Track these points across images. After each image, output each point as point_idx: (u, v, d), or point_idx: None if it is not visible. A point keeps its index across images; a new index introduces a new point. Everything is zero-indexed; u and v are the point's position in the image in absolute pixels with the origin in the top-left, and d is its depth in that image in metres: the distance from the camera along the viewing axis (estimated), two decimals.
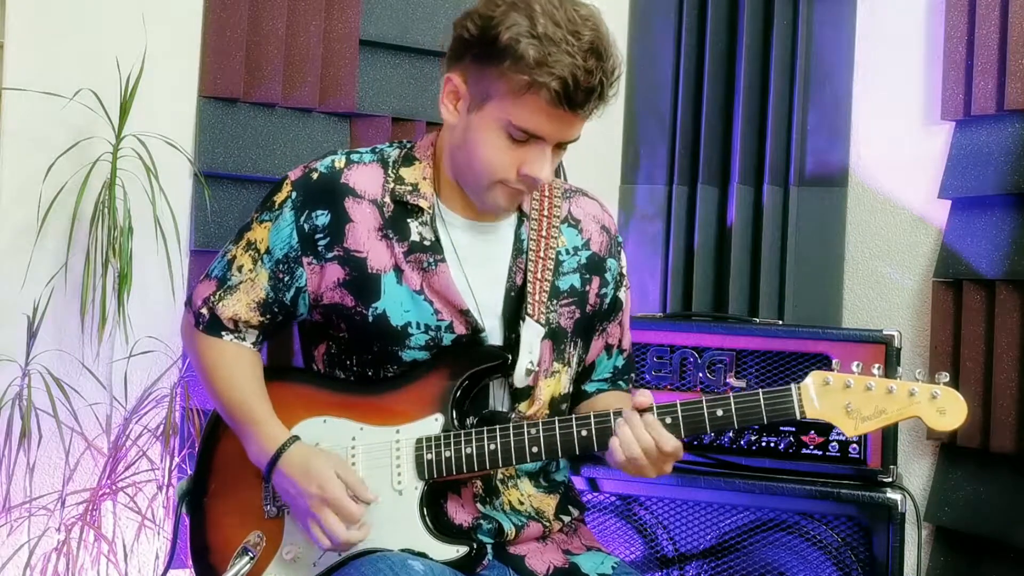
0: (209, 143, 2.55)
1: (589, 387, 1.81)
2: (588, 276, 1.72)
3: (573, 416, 1.57)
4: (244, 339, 1.68)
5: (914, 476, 2.65)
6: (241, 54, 2.55)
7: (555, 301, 1.67)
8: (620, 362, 1.83)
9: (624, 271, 1.81)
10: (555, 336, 1.67)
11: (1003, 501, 2.44)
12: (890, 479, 2.19)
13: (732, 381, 2.30)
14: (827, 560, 2.19)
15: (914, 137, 2.72)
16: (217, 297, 1.66)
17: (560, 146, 1.55)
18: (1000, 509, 2.43)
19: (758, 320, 2.62)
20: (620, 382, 1.83)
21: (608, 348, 1.81)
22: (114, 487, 2.33)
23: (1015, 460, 2.42)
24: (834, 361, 1.54)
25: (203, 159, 2.54)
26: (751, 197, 2.88)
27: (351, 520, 1.52)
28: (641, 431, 1.50)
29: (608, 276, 1.76)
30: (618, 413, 1.54)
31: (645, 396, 1.53)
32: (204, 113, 2.55)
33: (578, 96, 1.45)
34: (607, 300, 1.76)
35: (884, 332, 2.21)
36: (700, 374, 2.32)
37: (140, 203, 2.39)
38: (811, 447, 2.24)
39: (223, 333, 1.67)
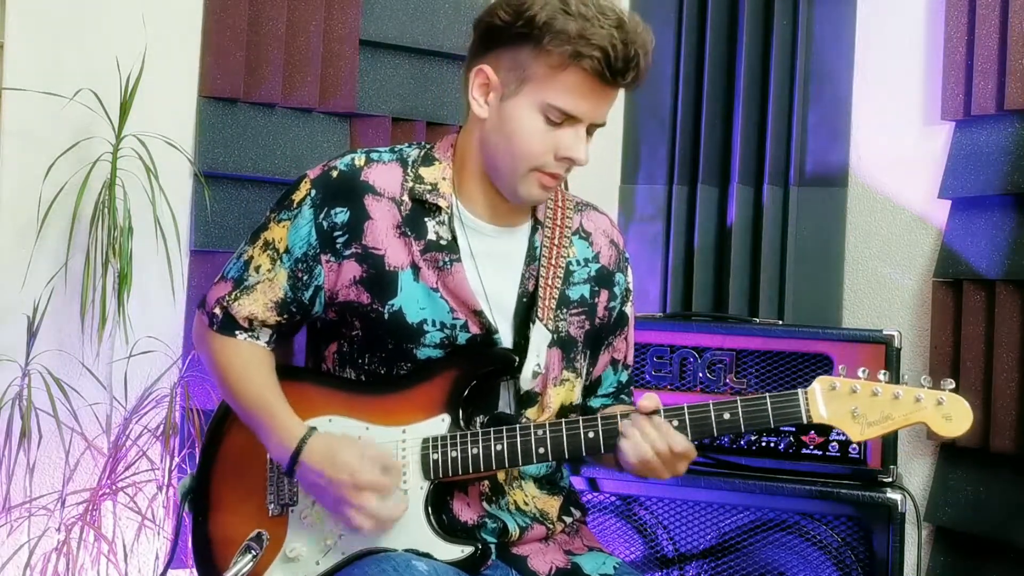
0: (209, 143, 2.55)
1: (594, 402, 1.81)
2: (597, 288, 1.73)
3: (580, 418, 1.57)
4: (258, 338, 1.67)
5: (914, 476, 2.65)
6: (241, 54, 2.55)
7: (564, 310, 1.68)
8: (624, 377, 1.84)
9: (631, 286, 1.82)
10: (564, 345, 1.67)
11: (1003, 501, 2.44)
12: (890, 479, 2.19)
13: (732, 381, 2.30)
14: (827, 560, 2.19)
15: (914, 137, 2.72)
16: (233, 297, 1.65)
17: (590, 132, 1.59)
18: (1000, 509, 2.43)
19: (758, 320, 2.62)
20: (623, 396, 1.83)
21: (614, 363, 1.81)
22: (114, 487, 2.33)
23: (1015, 460, 2.42)
24: (840, 366, 1.55)
25: (203, 159, 2.54)
26: (751, 197, 2.88)
27: (389, 493, 1.52)
28: (650, 431, 1.51)
29: (616, 290, 1.77)
30: (625, 415, 1.55)
31: (651, 400, 1.54)
32: (204, 113, 2.55)
33: (618, 64, 1.50)
34: (614, 314, 1.78)
35: (884, 332, 2.21)
36: (700, 374, 2.32)
37: (140, 203, 2.39)
38: (811, 447, 2.24)
39: (237, 332, 1.66)
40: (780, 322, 2.71)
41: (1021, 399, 2.40)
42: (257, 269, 1.64)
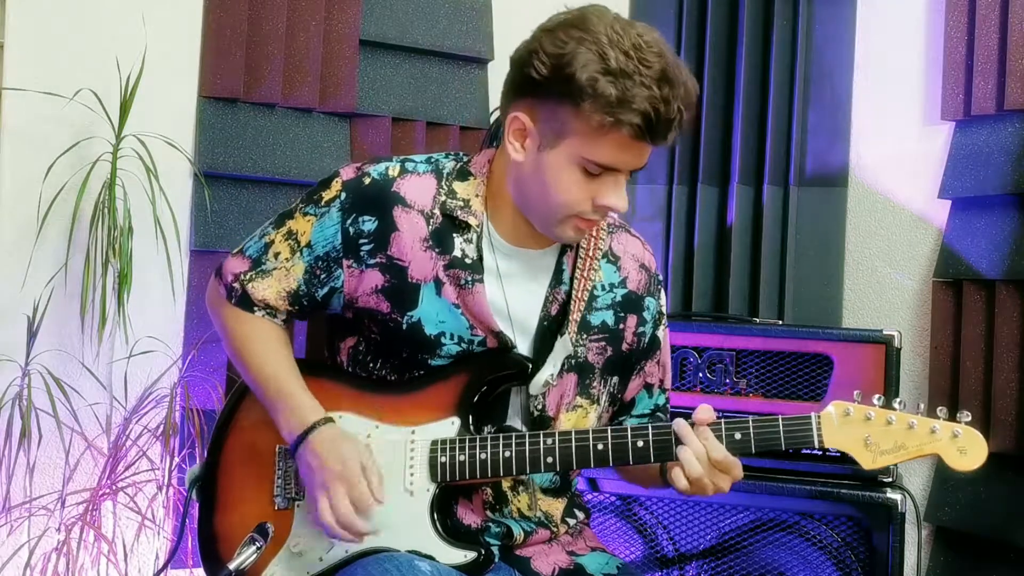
0: (209, 143, 2.55)
1: (629, 422, 1.78)
2: (623, 314, 1.70)
3: (590, 429, 1.57)
4: (275, 317, 1.68)
5: (914, 476, 2.65)
6: (241, 54, 2.56)
7: (584, 335, 1.65)
8: (661, 400, 1.81)
9: (663, 310, 1.78)
10: (581, 370, 1.66)
11: (1003, 501, 2.44)
12: (890, 479, 2.19)
13: (732, 381, 2.30)
14: (827, 560, 2.19)
15: (914, 137, 2.72)
16: (248, 277, 1.65)
17: (631, 173, 1.56)
18: (1000, 509, 2.44)
19: (758, 320, 2.62)
20: (659, 415, 1.81)
21: (648, 387, 1.78)
22: (114, 487, 2.33)
23: (1015, 460, 2.42)
24: (855, 392, 1.53)
25: (203, 159, 2.54)
26: (751, 197, 2.88)
27: (360, 504, 1.51)
28: (711, 439, 1.51)
29: (647, 315, 1.74)
30: (635, 429, 1.53)
31: (707, 412, 1.53)
32: (204, 113, 2.55)
33: (660, 128, 1.46)
34: (645, 339, 1.74)
35: (884, 332, 2.21)
36: (700, 374, 2.32)
37: (140, 203, 2.39)
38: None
39: (255, 309, 1.66)
40: (780, 322, 2.71)
41: (1021, 399, 2.40)
42: (276, 255, 1.64)
